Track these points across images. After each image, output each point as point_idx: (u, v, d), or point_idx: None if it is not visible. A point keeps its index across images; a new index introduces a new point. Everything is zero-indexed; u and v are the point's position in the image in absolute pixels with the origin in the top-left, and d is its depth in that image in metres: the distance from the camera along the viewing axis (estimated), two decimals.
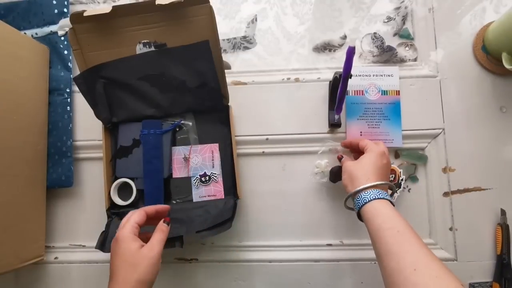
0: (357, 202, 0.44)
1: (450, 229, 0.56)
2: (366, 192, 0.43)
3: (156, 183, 0.54)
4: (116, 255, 0.39)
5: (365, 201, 0.42)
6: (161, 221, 0.44)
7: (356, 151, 0.53)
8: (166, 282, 0.58)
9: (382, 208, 0.41)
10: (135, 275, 0.38)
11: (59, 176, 0.58)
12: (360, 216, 0.44)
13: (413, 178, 0.57)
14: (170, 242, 0.51)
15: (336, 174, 0.55)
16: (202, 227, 0.50)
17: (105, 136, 0.55)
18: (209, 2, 0.46)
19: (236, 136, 0.57)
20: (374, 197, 0.42)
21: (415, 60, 0.59)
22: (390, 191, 0.45)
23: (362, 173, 0.45)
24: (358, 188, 0.43)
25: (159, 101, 0.54)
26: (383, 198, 0.42)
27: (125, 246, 0.39)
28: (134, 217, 0.42)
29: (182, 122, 0.56)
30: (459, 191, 0.56)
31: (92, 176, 0.60)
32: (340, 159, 0.53)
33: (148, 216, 0.43)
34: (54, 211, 0.60)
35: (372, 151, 0.47)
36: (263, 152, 0.59)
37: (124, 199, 0.54)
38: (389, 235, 0.38)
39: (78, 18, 0.47)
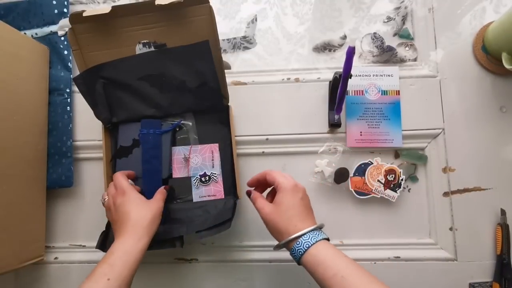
0: (293, 254, 0.40)
1: (450, 229, 0.56)
2: (298, 243, 0.39)
3: (155, 183, 0.54)
4: (126, 203, 0.44)
5: (300, 252, 0.38)
6: (162, 187, 0.51)
7: (266, 185, 0.48)
8: (166, 282, 0.58)
9: (320, 254, 0.38)
10: (149, 217, 0.43)
11: (59, 176, 0.58)
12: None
13: (413, 178, 0.57)
14: (170, 242, 0.51)
15: (341, 175, 0.55)
16: (202, 227, 0.50)
17: (105, 136, 0.55)
18: (209, 2, 0.46)
19: (236, 136, 0.57)
20: (307, 244, 0.38)
21: (415, 60, 0.59)
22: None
23: (287, 222, 0.40)
24: (289, 239, 0.39)
25: (159, 101, 0.54)
26: (319, 240, 0.39)
27: (135, 196, 0.45)
28: (125, 178, 0.48)
29: (182, 122, 0.56)
30: (459, 191, 0.56)
31: (92, 176, 0.60)
32: (249, 195, 0.47)
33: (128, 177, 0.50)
34: (54, 211, 0.60)
35: (285, 189, 0.42)
36: (263, 152, 0.59)
37: None
38: (334, 284, 0.36)
39: (77, 18, 0.46)
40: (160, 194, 0.49)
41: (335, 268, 0.37)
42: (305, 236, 0.39)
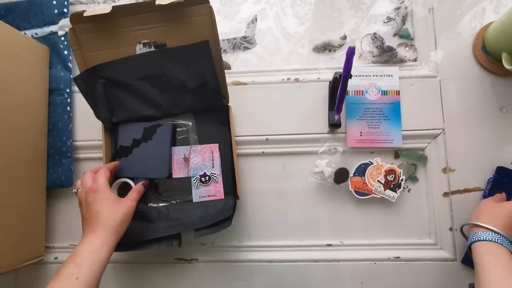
0: (472, 236, 0.45)
1: (450, 229, 0.56)
2: (488, 233, 0.43)
3: None
4: (98, 202, 0.43)
5: (480, 238, 0.43)
6: (140, 183, 0.51)
7: None
8: (166, 282, 0.58)
9: (499, 250, 0.41)
10: (118, 219, 0.43)
11: (59, 176, 0.58)
12: (470, 250, 0.45)
13: (413, 178, 0.57)
14: (168, 241, 0.51)
15: (341, 175, 0.55)
16: (201, 225, 0.50)
17: (105, 136, 0.55)
18: (209, 2, 0.46)
19: (236, 136, 0.57)
20: (490, 238, 0.43)
21: (415, 60, 0.59)
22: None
23: (491, 218, 0.45)
24: (482, 225, 0.45)
25: (159, 101, 0.54)
26: (504, 245, 0.42)
27: (108, 195, 0.44)
28: (105, 174, 0.47)
29: (182, 122, 0.56)
30: (459, 191, 0.56)
31: None
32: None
33: (110, 172, 0.49)
34: (54, 211, 0.60)
35: None
36: (263, 152, 0.59)
37: None
38: (499, 272, 0.39)
39: (78, 18, 0.47)
40: (136, 192, 0.49)
41: (510, 265, 0.40)
42: (496, 234, 0.43)
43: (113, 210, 0.44)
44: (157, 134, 0.55)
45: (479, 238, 0.43)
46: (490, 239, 0.42)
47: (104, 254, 0.40)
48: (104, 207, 0.43)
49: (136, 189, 0.50)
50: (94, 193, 0.44)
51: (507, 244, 0.42)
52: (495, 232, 0.43)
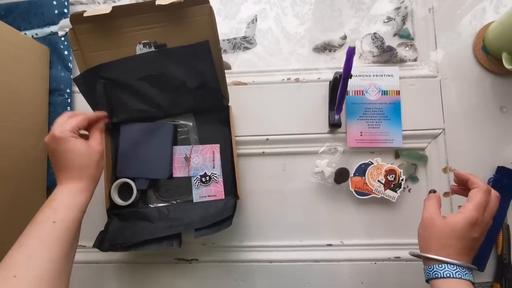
0: (427, 271, 0.39)
1: None
2: (440, 266, 0.37)
3: None
4: (64, 152, 0.40)
5: (436, 275, 0.37)
6: (100, 122, 0.47)
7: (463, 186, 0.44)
8: (166, 282, 0.58)
9: (460, 286, 0.36)
10: (94, 166, 0.41)
11: None
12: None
13: (413, 178, 0.57)
14: (168, 241, 0.51)
15: (341, 175, 0.55)
16: (201, 224, 0.50)
17: (105, 136, 0.55)
18: (209, 2, 0.46)
19: (236, 136, 0.57)
20: (448, 274, 0.37)
21: (415, 60, 0.59)
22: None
23: (441, 246, 0.38)
24: (434, 258, 0.38)
25: (159, 101, 0.54)
26: (463, 278, 0.36)
27: (73, 144, 0.40)
28: (77, 121, 0.42)
29: (183, 122, 0.56)
30: None
31: None
32: (432, 192, 0.44)
33: (89, 123, 0.45)
34: None
35: (467, 219, 0.38)
36: (263, 152, 0.59)
37: (124, 199, 0.54)
38: None
39: (78, 19, 0.47)
40: (99, 132, 0.45)
41: None
42: (452, 266, 0.37)
43: (85, 159, 0.41)
44: (158, 134, 0.55)
45: (436, 275, 0.37)
46: (448, 275, 0.36)
47: (82, 198, 0.39)
48: (75, 157, 0.40)
49: (98, 128, 0.46)
50: (56, 141, 0.40)
51: (466, 275, 0.37)
52: (450, 263, 0.37)
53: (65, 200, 0.38)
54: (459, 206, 0.42)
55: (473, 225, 0.38)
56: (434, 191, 0.44)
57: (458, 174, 0.43)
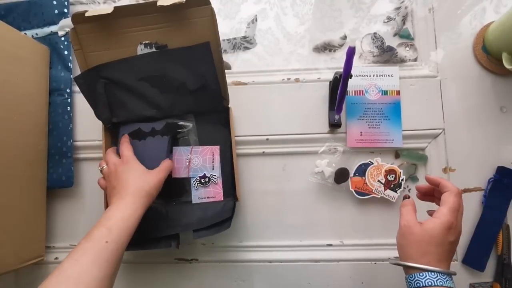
0: (409, 280, 0.38)
1: None
2: (422, 275, 0.37)
3: None
4: (128, 172, 0.46)
5: (418, 284, 0.37)
6: (168, 159, 0.52)
7: (430, 193, 0.45)
8: (166, 282, 0.58)
9: None
10: (146, 189, 0.45)
11: (59, 176, 0.58)
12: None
13: (413, 178, 0.57)
14: (166, 241, 0.51)
15: (341, 175, 0.55)
16: (199, 226, 0.50)
17: (105, 136, 0.55)
18: (210, 3, 0.46)
19: (236, 136, 0.57)
20: (430, 282, 0.36)
21: (415, 60, 0.59)
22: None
23: (421, 253, 0.38)
24: (415, 266, 0.38)
25: (159, 102, 0.54)
26: (444, 286, 0.36)
27: (137, 166, 0.47)
28: (129, 148, 0.49)
29: (183, 123, 0.56)
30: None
31: (92, 176, 0.60)
32: (406, 198, 0.44)
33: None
34: (54, 211, 0.60)
35: (443, 223, 0.38)
36: (263, 152, 0.59)
37: None
38: None
39: (79, 18, 0.47)
40: (166, 165, 0.50)
41: None
42: (433, 274, 0.37)
43: (142, 179, 0.45)
44: (154, 140, 0.54)
45: (418, 284, 0.37)
46: (430, 283, 0.36)
47: (133, 222, 0.41)
48: (134, 177, 0.45)
49: (166, 162, 0.51)
50: (125, 164, 0.47)
51: (447, 281, 0.36)
52: (431, 271, 0.37)
53: (120, 222, 0.40)
54: (429, 212, 0.43)
55: (449, 229, 0.38)
56: (408, 197, 0.44)
57: (429, 178, 0.43)
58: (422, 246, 0.38)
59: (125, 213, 0.41)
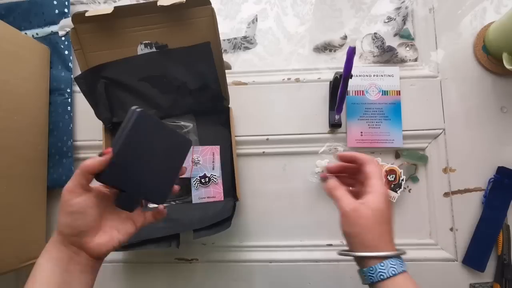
0: (368, 274, 0.33)
1: (451, 229, 0.56)
2: (382, 264, 0.32)
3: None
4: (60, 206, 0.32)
5: (382, 277, 0.32)
6: (162, 207, 0.38)
7: (350, 171, 0.39)
8: (167, 282, 0.58)
9: (408, 282, 0.32)
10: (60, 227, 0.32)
11: (59, 176, 0.58)
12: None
13: (413, 178, 0.57)
14: (166, 241, 0.51)
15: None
16: (199, 225, 0.50)
17: (105, 136, 0.55)
18: (210, 3, 0.46)
19: (236, 136, 0.57)
20: (393, 271, 0.32)
21: (415, 60, 0.59)
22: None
23: (378, 236, 0.34)
24: (378, 255, 0.33)
25: (159, 102, 0.54)
26: (403, 271, 0.33)
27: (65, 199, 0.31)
28: (88, 165, 0.31)
29: (183, 123, 0.56)
30: (459, 192, 0.56)
31: None
32: (324, 180, 0.38)
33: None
34: (54, 211, 0.60)
35: (379, 192, 0.34)
36: (263, 152, 0.59)
37: None
38: None
39: (80, 18, 0.47)
40: (152, 216, 0.38)
41: None
42: (392, 260, 0.32)
43: (65, 217, 0.32)
44: (174, 145, 0.38)
45: (382, 277, 0.32)
46: (393, 272, 0.32)
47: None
48: (62, 216, 0.32)
49: (156, 213, 0.38)
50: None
51: (404, 266, 0.33)
52: (392, 257, 0.32)
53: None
54: (350, 189, 0.38)
55: (388, 199, 0.35)
56: (327, 177, 0.38)
57: (343, 155, 0.39)
58: (376, 228, 0.33)
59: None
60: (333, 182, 0.37)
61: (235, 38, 0.61)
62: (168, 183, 0.38)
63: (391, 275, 0.32)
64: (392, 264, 0.32)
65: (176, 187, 0.38)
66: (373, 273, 0.32)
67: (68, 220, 0.32)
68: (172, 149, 0.38)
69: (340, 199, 0.35)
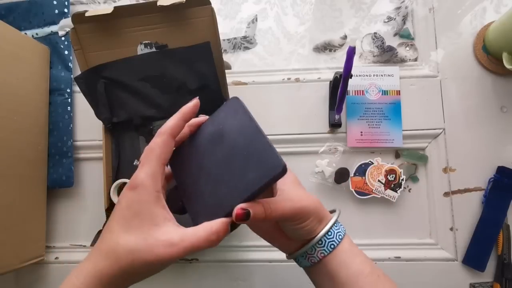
0: (330, 241, 0.30)
1: (451, 229, 0.56)
2: (330, 233, 0.30)
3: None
4: (117, 211, 0.25)
5: (333, 246, 0.29)
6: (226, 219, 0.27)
7: None
8: (166, 282, 0.58)
9: (353, 248, 0.30)
10: (124, 258, 0.25)
11: (59, 176, 0.58)
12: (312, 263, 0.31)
13: (413, 178, 0.57)
14: None
15: (341, 175, 0.55)
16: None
17: (105, 136, 0.55)
18: (210, 3, 0.46)
19: None
20: (340, 235, 0.30)
21: (415, 60, 0.59)
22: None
23: (320, 204, 0.30)
24: (330, 225, 0.30)
25: (159, 102, 0.54)
26: (345, 233, 0.31)
27: (144, 204, 0.25)
28: (163, 151, 0.25)
29: None
30: (459, 191, 0.56)
31: (93, 176, 0.60)
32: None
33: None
34: (54, 211, 0.60)
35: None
36: None
37: None
38: (369, 282, 0.29)
39: (80, 18, 0.47)
40: (205, 232, 0.27)
41: (371, 266, 0.30)
42: (336, 225, 0.30)
43: (133, 239, 0.25)
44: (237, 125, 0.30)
45: (327, 248, 0.29)
46: (341, 236, 0.29)
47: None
48: (119, 225, 0.25)
49: (208, 229, 0.27)
50: (129, 190, 0.26)
51: (340, 226, 0.30)
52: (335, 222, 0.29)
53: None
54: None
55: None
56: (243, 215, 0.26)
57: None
58: (310, 196, 0.29)
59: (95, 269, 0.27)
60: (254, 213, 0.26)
61: (235, 38, 0.61)
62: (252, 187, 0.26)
63: (340, 239, 0.30)
64: (337, 230, 0.30)
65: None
66: (324, 246, 0.30)
67: None
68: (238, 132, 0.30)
69: (279, 214, 0.28)
